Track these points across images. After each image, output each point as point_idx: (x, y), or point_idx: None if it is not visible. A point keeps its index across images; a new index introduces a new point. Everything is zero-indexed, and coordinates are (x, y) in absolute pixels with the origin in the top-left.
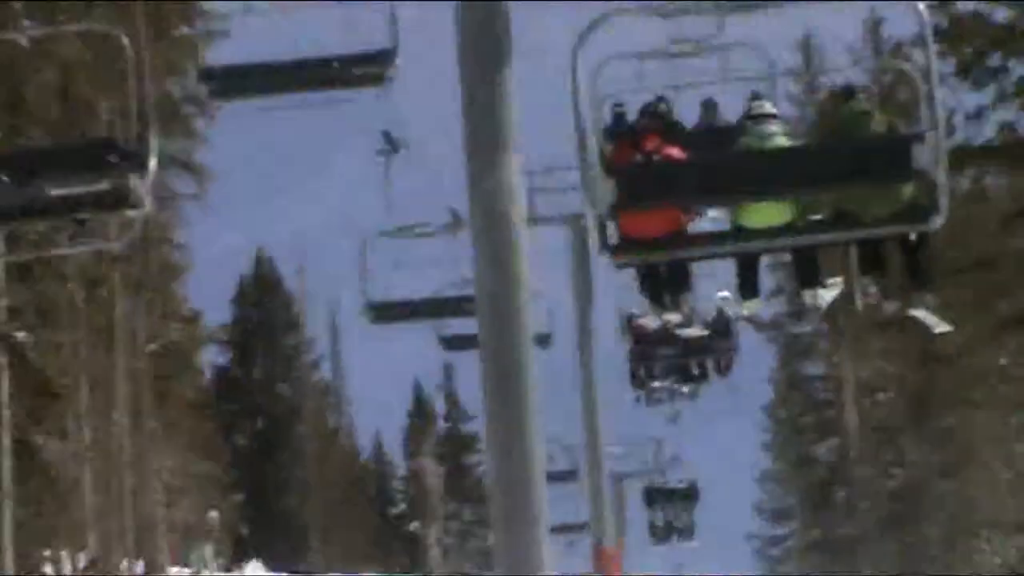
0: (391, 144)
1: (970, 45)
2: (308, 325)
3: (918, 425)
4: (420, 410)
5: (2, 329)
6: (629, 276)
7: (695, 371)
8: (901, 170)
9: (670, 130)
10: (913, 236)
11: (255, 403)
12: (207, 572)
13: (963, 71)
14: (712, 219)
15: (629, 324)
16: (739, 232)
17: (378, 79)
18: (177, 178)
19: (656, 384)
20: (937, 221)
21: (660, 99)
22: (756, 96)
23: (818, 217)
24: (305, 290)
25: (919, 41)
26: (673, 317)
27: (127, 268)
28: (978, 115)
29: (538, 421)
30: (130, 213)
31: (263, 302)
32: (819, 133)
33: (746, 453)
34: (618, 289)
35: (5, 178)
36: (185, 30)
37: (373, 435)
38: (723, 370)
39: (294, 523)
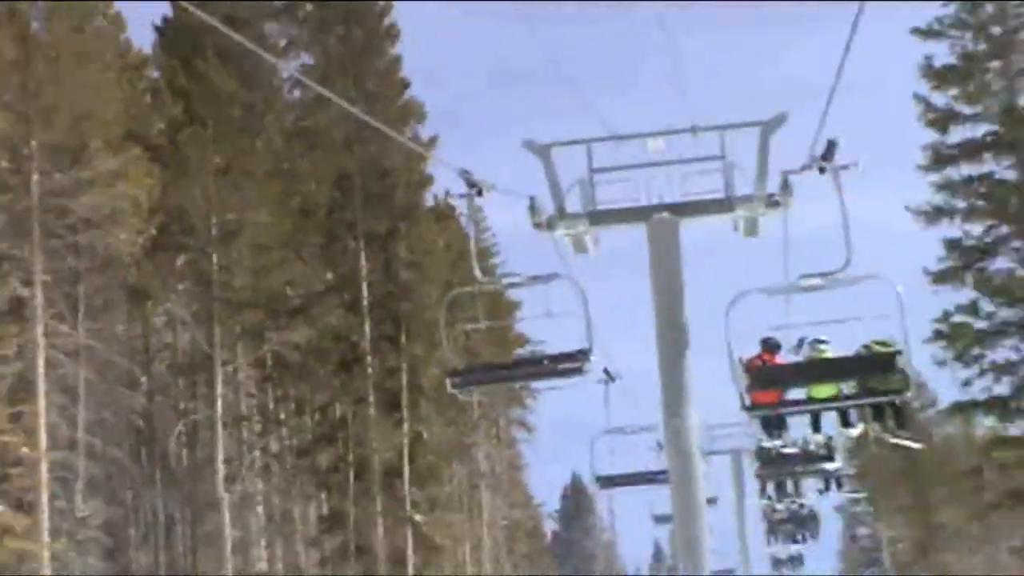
0: (609, 376)
1: (961, 342)
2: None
3: None
4: (658, 550)
5: (409, 513)
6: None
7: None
8: (889, 368)
9: (776, 349)
10: (898, 402)
11: (572, 550)
12: None
13: (958, 357)
14: (796, 392)
15: (759, 449)
16: (810, 400)
17: (578, 371)
18: None
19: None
20: (908, 394)
21: (768, 338)
22: (818, 340)
23: (852, 391)
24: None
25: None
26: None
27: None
28: (967, 384)
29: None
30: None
31: (576, 497)
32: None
33: None
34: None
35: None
36: None
37: (635, 563)
38: (837, 487)
39: None
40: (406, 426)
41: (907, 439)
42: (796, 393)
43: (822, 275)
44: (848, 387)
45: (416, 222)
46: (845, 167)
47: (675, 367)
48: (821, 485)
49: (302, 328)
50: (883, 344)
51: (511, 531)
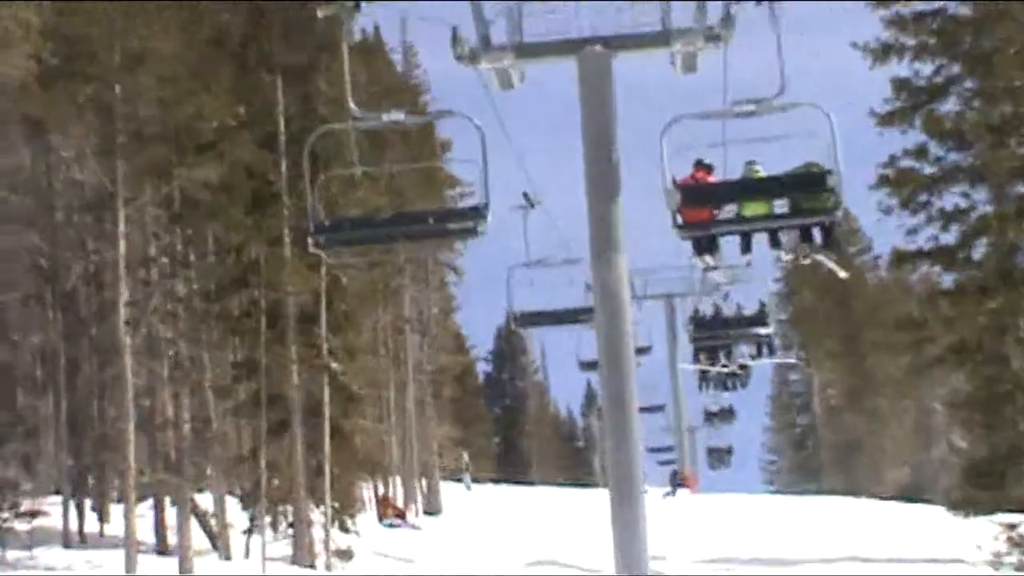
0: (528, 201)
1: (908, 188)
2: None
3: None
4: (590, 392)
5: (325, 361)
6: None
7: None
8: (820, 186)
9: (710, 170)
10: (827, 222)
11: (505, 391)
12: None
13: (904, 204)
14: (727, 212)
15: (694, 314)
16: (741, 218)
17: (471, 232)
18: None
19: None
20: (838, 214)
21: (699, 160)
22: (750, 161)
23: (782, 211)
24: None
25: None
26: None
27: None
28: (914, 231)
29: (634, 393)
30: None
31: (510, 338)
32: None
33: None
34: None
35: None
36: None
37: (566, 404)
38: (767, 354)
39: (524, 455)
40: (323, 269)
41: (835, 262)
42: (728, 213)
43: (755, 101)
44: (780, 207)
45: (336, 55)
46: None
47: (605, 206)
48: (753, 351)
49: (212, 164)
50: (815, 167)
51: (438, 376)
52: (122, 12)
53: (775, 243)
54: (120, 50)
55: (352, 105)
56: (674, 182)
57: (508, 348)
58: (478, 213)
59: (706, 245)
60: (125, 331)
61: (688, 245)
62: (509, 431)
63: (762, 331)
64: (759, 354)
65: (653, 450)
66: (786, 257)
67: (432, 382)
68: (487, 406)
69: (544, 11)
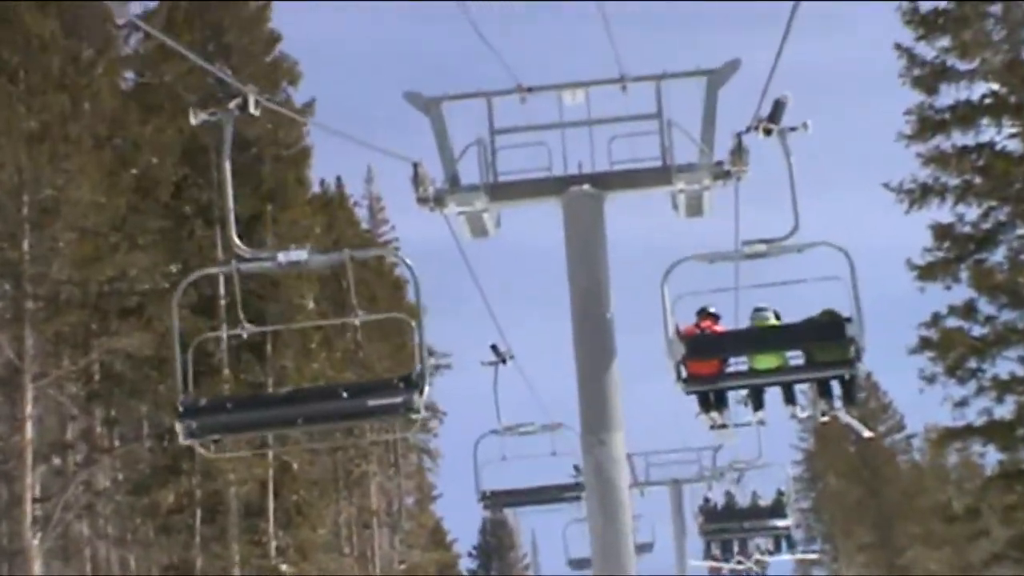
0: (498, 355)
1: (954, 353)
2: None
3: None
4: None
5: (273, 563)
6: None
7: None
8: (838, 335)
9: (716, 319)
10: (847, 375)
11: None
12: None
13: (950, 371)
14: (736, 365)
15: (705, 504)
16: (752, 372)
17: (399, 412)
18: None
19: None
20: (860, 368)
21: (703, 308)
22: (758, 308)
23: (797, 363)
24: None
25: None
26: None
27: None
28: (963, 404)
29: None
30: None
31: (496, 532)
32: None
33: None
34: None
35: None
36: None
37: None
38: (787, 549)
39: None
40: (271, 454)
41: (856, 419)
42: (737, 365)
43: (766, 242)
44: (794, 359)
45: (288, 204)
46: (793, 129)
47: (597, 375)
48: (771, 545)
49: (137, 333)
50: (832, 314)
51: (409, 574)
52: (31, 156)
53: (789, 399)
54: (29, 200)
55: (236, 240)
56: (677, 332)
57: (495, 541)
58: (408, 387)
59: (713, 401)
60: (33, 531)
61: (694, 406)
62: None
63: (780, 523)
64: (777, 549)
65: None
66: (802, 415)
67: None
68: None
69: (524, 142)
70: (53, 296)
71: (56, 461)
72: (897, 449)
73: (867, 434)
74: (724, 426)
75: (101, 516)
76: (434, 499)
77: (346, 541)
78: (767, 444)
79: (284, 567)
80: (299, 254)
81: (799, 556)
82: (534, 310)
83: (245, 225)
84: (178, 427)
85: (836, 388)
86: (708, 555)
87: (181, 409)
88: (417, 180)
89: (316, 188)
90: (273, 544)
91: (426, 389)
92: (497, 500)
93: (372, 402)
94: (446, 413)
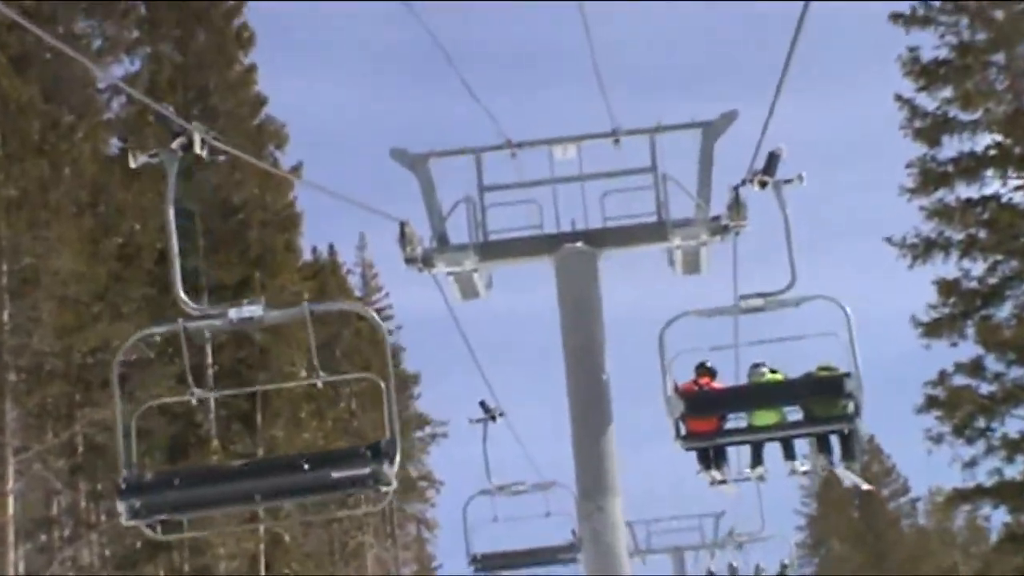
0: (487, 412)
1: (962, 412)
2: None
3: None
4: None
5: None
6: None
7: None
8: (837, 391)
9: (714, 375)
10: (846, 430)
11: None
12: None
13: (958, 431)
14: (735, 420)
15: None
16: (751, 428)
17: (368, 485)
18: None
19: None
20: (859, 423)
21: (701, 363)
22: (756, 364)
23: (796, 419)
24: None
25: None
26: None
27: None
28: (972, 464)
29: None
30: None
31: None
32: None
33: None
34: None
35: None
36: None
37: None
38: None
39: None
40: (261, 528)
41: (856, 474)
42: (735, 421)
43: (764, 295)
44: (793, 414)
45: (275, 271)
46: (788, 181)
47: (593, 438)
48: None
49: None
50: (829, 369)
51: None
52: (10, 223)
53: (789, 455)
54: (8, 269)
55: (183, 296)
56: (676, 389)
57: None
58: (377, 456)
59: (713, 458)
60: None
61: (694, 466)
62: None
63: None
64: None
65: None
66: (801, 469)
67: None
68: None
69: (514, 199)
70: (35, 367)
71: (41, 537)
72: (902, 513)
73: (866, 487)
74: (724, 482)
75: None
76: (434, 570)
77: None
78: (769, 510)
79: None
80: (253, 310)
81: None
82: (529, 371)
83: (233, 292)
84: (120, 506)
85: (835, 443)
86: None
87: (123, 486)
88: (404, 239)
89: (308, 255)
90: None
91: (397, 458)
92: (489, 563)
93: (337, 474)
94: (443, 482)
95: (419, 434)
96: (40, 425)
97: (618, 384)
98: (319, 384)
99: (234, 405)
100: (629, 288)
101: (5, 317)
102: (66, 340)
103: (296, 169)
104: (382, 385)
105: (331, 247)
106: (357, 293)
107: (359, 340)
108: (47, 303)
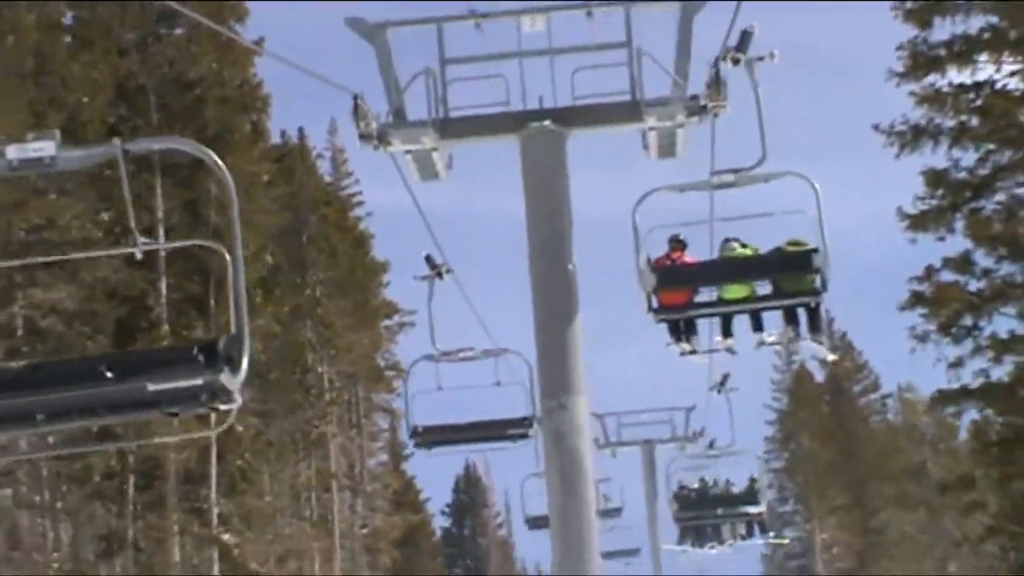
0: (433, 268)
1: (948, 309)
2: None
3: None
4: None
5: (214, 533)
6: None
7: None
8: (805, 266)
9: (684, 246)
10: (813, 304)
11: (465, 550)
12: None
13: (944, 329)
14: (706, 294)
15: (679, 491)
16: (721, 301)
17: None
18: None
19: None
20: (824, 296)
21: (674, 235)
22: (727, 239)
23: (764, 292)
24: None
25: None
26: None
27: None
28: (958, 364)
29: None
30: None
31: (469, 490)
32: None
33: None
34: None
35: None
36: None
37: (535, 563)
38: (759, 533)
39: None
40: (213, 417)
41: (821, 345)
42: (706, 294)
43: (735, 171)
44: (762, 288)
45: (234, 150)
46: (760, 59)
47: (558, 338)
48: (743, 531)
49: (63, 284)
50: (798, 245)
51: (372, 542)
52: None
53: (757, 326)
54: None
55: None
56: (648, 263)
57: (468, 500)
58: (212, 361)
59: (684, 330)
60: None
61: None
62: None
63: (753, 510)
64: (749, 534)
65: None
66: (768, 340)
67: (367, 549)
68: (446, 566)
69: (478, 73)
70: None
71: None
72: (872, 409)
73: (831, 358)
74: (694, 352)
75: (24, 483)
76: (405, 458)
77: (305, 504)
78: (740, 405)
79: (226, 536)
80: (42, 147)
81: (772, 541)
82: (496, 265)
83: (187, 170)
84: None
85: (803, 316)
86: (682, 540)
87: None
88: (358, 114)
89: (277, 139)
90: (215, 512)
91: (244, 364)
92: (430, 436)
93: (154, 386)
94: (440, 388)
95: (387, 323)
96: None
97: (589, 286)
98: (138, 254)
99: (187, 288)
100: (601, 188)
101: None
102: (6, 216)
103: (258, 43)
104: (227, 257)
105: (300, 130)
106: (327, 179)
107: (327, 226)
108: None
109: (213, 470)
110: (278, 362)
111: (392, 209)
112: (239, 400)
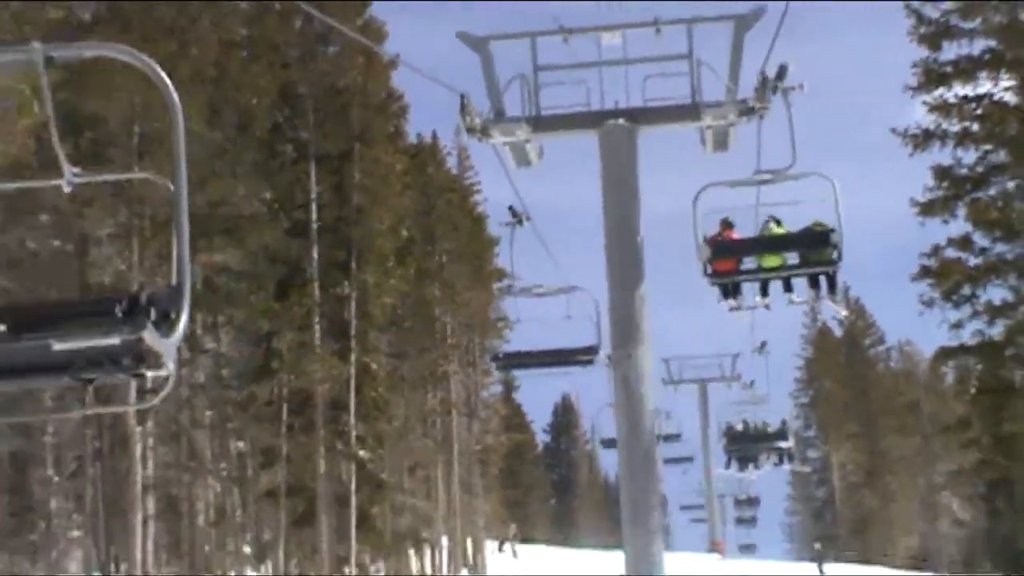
0: (515, 216)
1: (951, 280)
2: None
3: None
4: None
5: (352, 451)
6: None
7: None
8: (825, 243)
9: (732, 226)
10: (831, 271)
11: (561, 460)
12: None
13: (947, 296)
14: (749, 263)
15: (728, 429)
16: (760, 268)
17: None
18: None
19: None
20: (839, 265)
21: (725, 217)
22: (767, 220)
23: (794, 262)
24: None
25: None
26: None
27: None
28: (958, 325)
29: (657, 505)
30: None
31: (566, 414)
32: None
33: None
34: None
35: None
36: None
37: (614, 473)
38: (788, 462)
39: (575, 519)
40: (353, 357)
41: (836, 303)
42: (749, 263)
43: (771, 172)
44: (792, 259)
45: (372, 145)
46: (793, 88)
47: (627, 294)
48: (776, 459)
49: (231, 249)
50: (821, 225)
51: (484, 456)
52: (142, 91)
53: (788, 288)
54: (139, 131)
55: None
56: (705, 239)
57: (564, 422)
58: (136, 315)
59: (731, 291)
60: (137, 418)
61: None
62: (563, 496)
63: (783, 444)
64: (781, 462)
65: (686, 507)
66: (797, 300)
67: (480, 461)
68: (547, 472)
69: (565, 79)
70: (157, 215)
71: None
72: (879, 359)
73: (844, 313)
74: (739, 308)
75: (196, 408)
76: (515, 389)
77: (431, 428)
78: (776, 353)
79: (362, 452)
80: None
81: (796, 469)
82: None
83: (336, 160)
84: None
85: (823, 281)
86: (729, 466)
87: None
88: (464, 111)
89: (413, 139)
90: (353, 434)
91: (183, 322)
92: (510, 361)
93: (61, 345)
94: (518, 320)
95: (497, 285)
96: (163, 267)
97: (658, 259)
98: (65, 186)
99: (334, 255)
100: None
101: (136, 171)
102: (192, 196)
103: (394, 59)
104: (170, 186)
105: (434, 132)
106: (453, 171)
107: (451, 208)
108: (167, 162)
109: (352, 400)
110: (411, 315)
111: (503, 199)
112: (172, 367)
